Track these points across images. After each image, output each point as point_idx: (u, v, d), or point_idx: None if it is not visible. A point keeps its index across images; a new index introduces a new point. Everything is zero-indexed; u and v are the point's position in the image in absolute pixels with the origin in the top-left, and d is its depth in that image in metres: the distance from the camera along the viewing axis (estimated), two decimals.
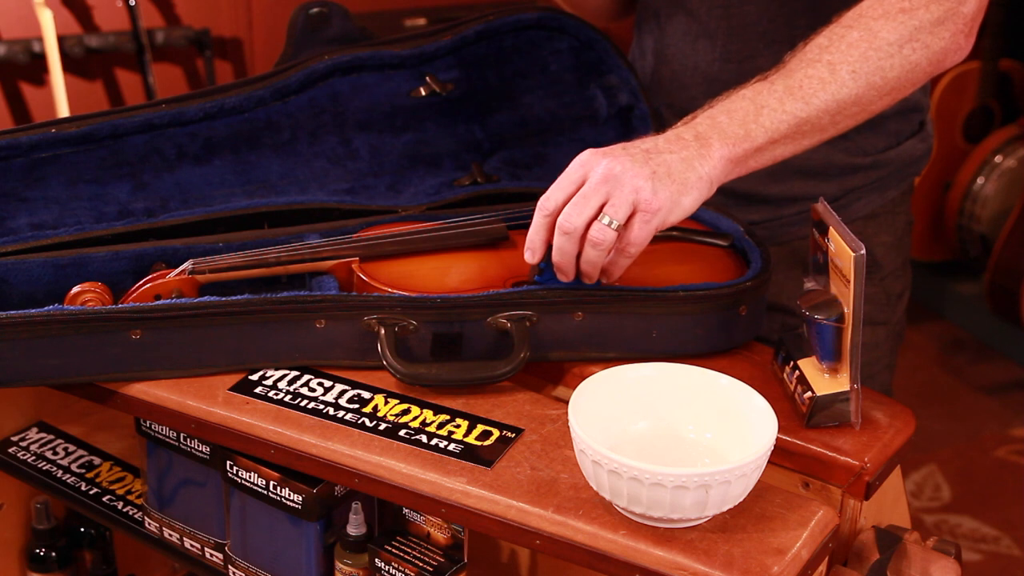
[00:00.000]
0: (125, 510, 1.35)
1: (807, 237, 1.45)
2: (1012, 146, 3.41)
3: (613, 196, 1.11)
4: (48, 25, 2.62)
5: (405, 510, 1.16)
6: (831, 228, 1.07)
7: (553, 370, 1.21)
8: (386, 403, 1.14)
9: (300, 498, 1.15)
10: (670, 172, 1.12)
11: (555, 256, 1.15)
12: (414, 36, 1.44)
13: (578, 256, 1.15)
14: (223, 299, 1.16)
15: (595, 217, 1.11)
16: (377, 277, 1.23)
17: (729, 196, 1.45)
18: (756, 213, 1.46)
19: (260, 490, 1.18)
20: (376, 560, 1.16)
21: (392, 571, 1.16)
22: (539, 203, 1.15)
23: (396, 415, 1.12)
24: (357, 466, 1.08)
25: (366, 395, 1.15)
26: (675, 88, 1.48)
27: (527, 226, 1.17)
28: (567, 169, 1.15)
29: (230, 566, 1.26)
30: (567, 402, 1.00)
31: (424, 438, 1.09)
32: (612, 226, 1.11)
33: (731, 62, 1.42)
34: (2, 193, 1.28)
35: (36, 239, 1.27)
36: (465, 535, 1.14)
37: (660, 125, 1.48)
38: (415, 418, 1.12)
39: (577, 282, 1.18)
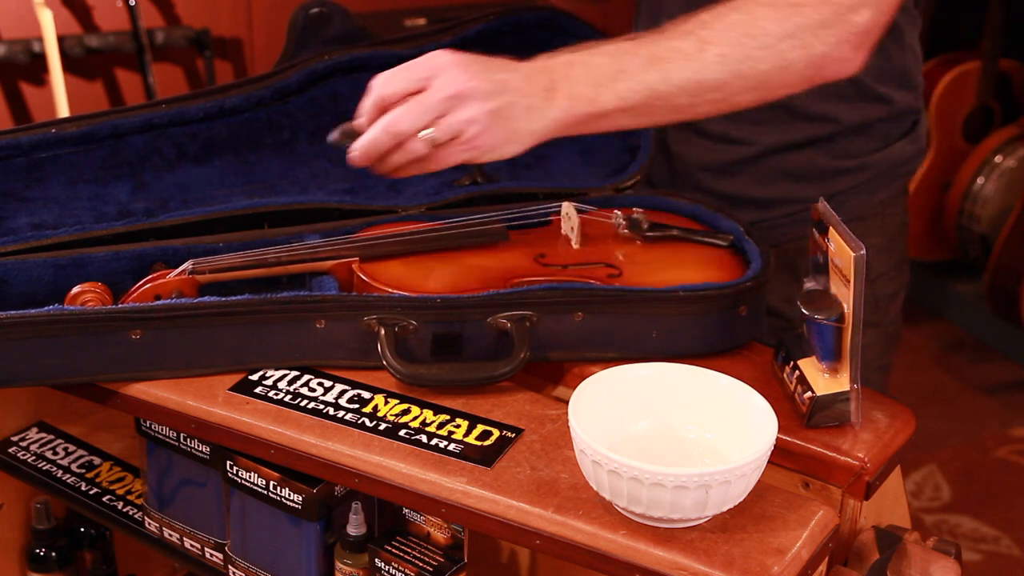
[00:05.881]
0: (125, 510, 1.35)
1: (795, 240, 1.45)
2: (1012, 146, 3.41)
3: (448, 115, 1.10)
4: (48, 25, 2.62)
5: (405, 510, 1.16)
6: (831, 228, 1.07)
7: (553, 370, 1.21)
8: (386, 403, 1.14)
9: (300, 498, 1.15)
10: (510, 117, 1.11)
11: (366, 143, 1.14)
12: (414, 36, 1.43)
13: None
14: (223, 299, 1.16)
15: (422, 128, 1.11)
16: (377, 277, 1.23)
17: (715, 198, 1.44)
18: (743, 215, 1.46)
19: (260, 490, 1.18)
20: (376, 560, 1.16)
21: (392, 571, 1.16)
22: (377, 83, 1.13)
23: (396, 415, 1.12)
24: (357, 466, 1.08)
25: (366, 395, 1.15)
26: None
27: (527, 226, 1.18)
28: (419, 60, 1.13)
29: (230, 566, 1.26)
30: (567, 402, 1.00)
31: (424, 438, 1.09)
32: (431, 142, 1.11)
33: None
34: (2, 193, 1.28)
35: (36, 239, 1.27)
36: (465, 535, 1.14)
37: (659, 128, 1.48)
38: (415, 418, 1.12)
39: (578, 283, 1.17)
